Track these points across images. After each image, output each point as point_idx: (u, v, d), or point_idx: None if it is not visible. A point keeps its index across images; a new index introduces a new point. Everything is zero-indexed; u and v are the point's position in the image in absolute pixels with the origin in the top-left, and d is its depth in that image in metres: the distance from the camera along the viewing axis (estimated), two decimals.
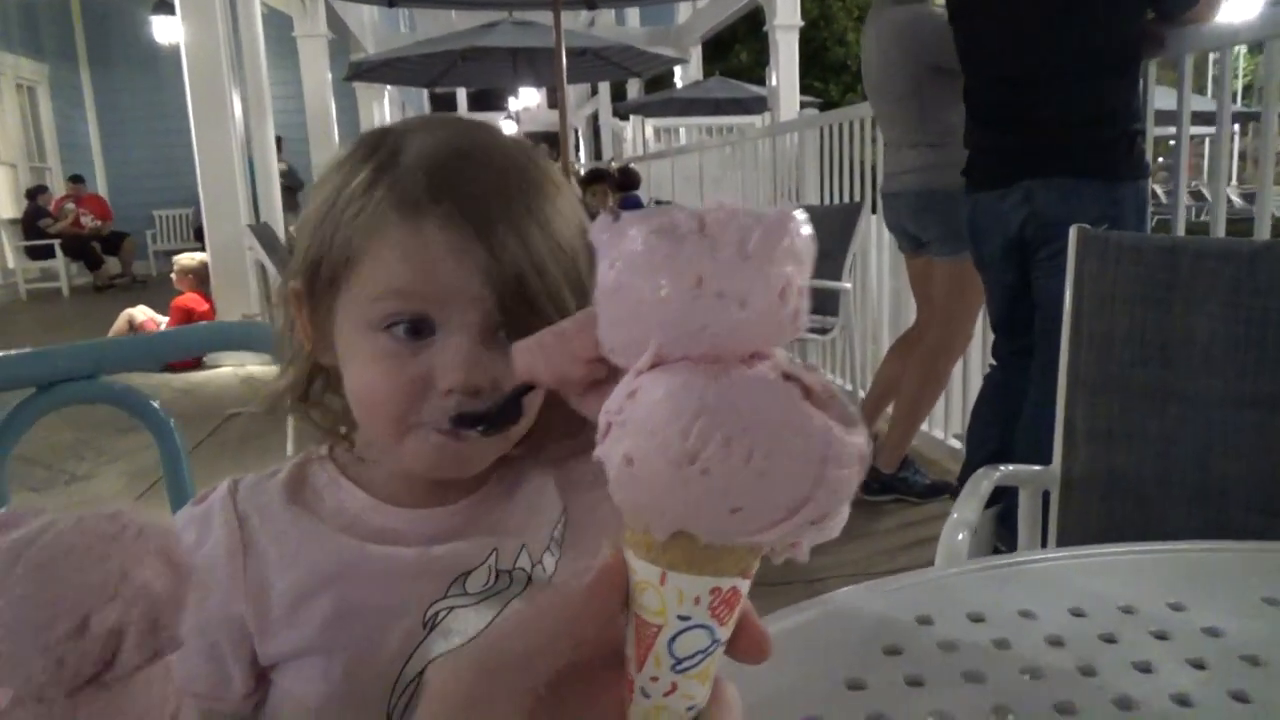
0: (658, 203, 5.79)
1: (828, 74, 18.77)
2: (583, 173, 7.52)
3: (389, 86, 12.23)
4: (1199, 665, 0.60)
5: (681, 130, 10.90)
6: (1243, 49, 2.20)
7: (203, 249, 6.34)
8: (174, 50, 6.68)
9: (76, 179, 11.58)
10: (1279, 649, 0.62)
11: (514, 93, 15.22)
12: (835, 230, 3.47)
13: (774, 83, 8.12)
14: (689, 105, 11.33)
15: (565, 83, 5.47)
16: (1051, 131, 2.08)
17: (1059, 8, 2.02)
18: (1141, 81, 2.12)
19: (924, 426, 3.37)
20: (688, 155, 7.41)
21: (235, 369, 5.92)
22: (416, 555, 0.62)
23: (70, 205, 10.97)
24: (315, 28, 9.63)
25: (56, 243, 10.63)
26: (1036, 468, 1.45)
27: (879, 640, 0.65)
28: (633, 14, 13.13)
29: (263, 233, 4.71)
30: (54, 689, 0.34)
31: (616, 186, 6.72)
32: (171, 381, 5.42)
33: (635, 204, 7.43)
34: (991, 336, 2.58)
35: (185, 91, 5.76)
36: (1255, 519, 1.30)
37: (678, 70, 12.04)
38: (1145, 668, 0.60)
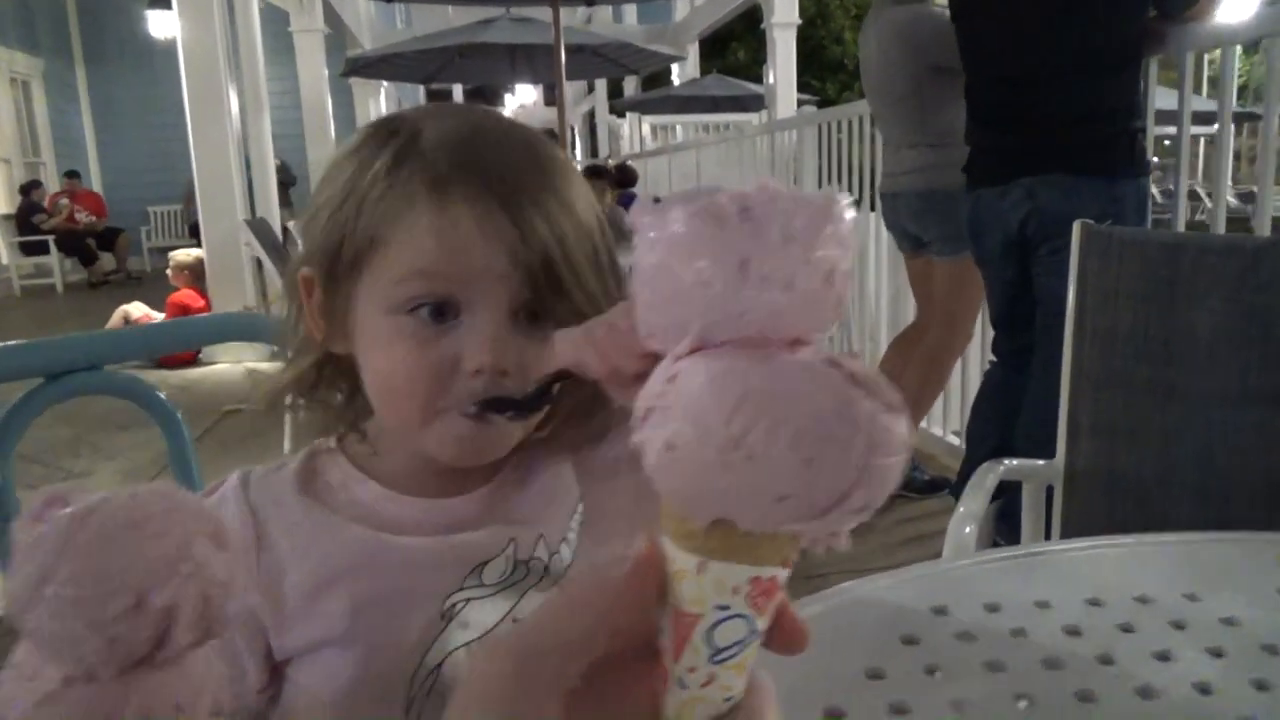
0: (656, 200, 5.78)
1: (825, 72, 18.77)
2: (580, 169, 7.50)
3: (385, 83, 12.19)
4: (1218, 654, 0.60)
5: (678, 128, 10.90)
6: (1237, 49, 2.21)
7: (198, 245, 6.32)
8: (169, 45, 6.65)
9: (72, 174, 11.53)
10: None
11: (511, 90, 15.21)
12: None
13: (771, 81, 8.13)
14: (686, 103, 11.32)
15: (564, 79, 5.46)
16: (1052, 130, 2.08)
17: (1060, 7, 2.02)
18: (1142, 80, 2.12)
19: (923, 423, 3.38)
20: (685, 153, 7.40)
21: (231, 365, 5.91)
22: (433, 545, 0.62)
23: (64, 201, 10.92)
24: (312, 23, 9.60)
25: (51, 239, 10.58)
26: (1040, 462, 1.45)
27: (896, 630, 0.65)
28: (630, 11, 13.12)
29: (259, 228, 4.70)
30: (106, 669, 0.34)
31: (614, 184, 6.71)
32: (168, 378, 5.40)
33: (633, 201, 7.43)
34: (991, 334, 2.58)
35: (180, 87, 5.73)
36: (1258, 514, 1.31)
37: (675, 68, 12.03)
38: (1164, 656, 0.60)
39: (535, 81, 10.37)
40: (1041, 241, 2.10)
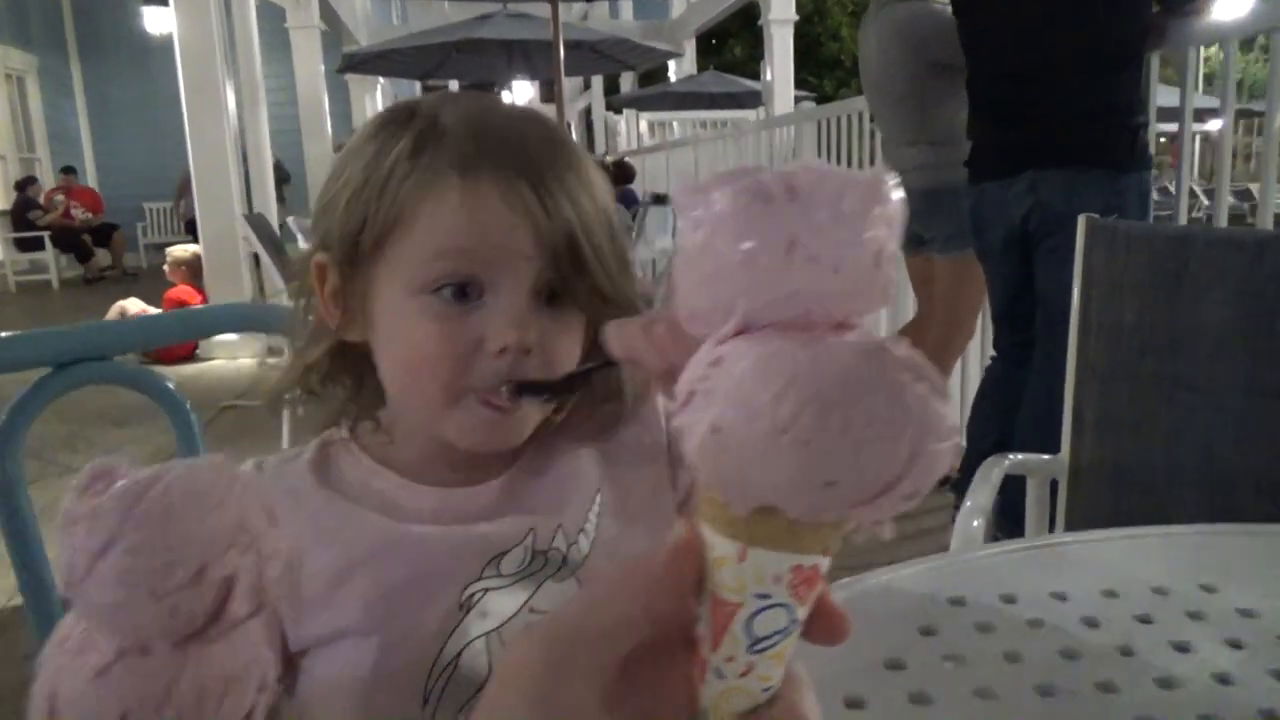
0: (654, 196, 5.78)
1: (822, 69, 18.78)
2: None
3: (381, 80, 12.18)
4: (1236, 645, 0.60)
5: (675, 124, 10.90)
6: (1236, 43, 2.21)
7: (194, 241, 6.30)
8: (165, 41, 6.64)
9: (68, 171, 11.50)
10: None
11: (507, 86, 15.18)
12: None
13: (768, 77, 8.13)
14: (683, 99, 11.32)
15: (564, 75, 5.45)
16: (1055, 126, 2.08)
17: (1063, 3, 2.02)
18: (1144, 75, 2.12)
19: None
20: (683, 149, 7.40)
21: (227, 361, 5.90)
22: (451, 535, 0.61)
23: (60, 197, 10.89)
24: (308, 19, 9.59)
25: (46, 235, 10.55)
26: (1045, 456, 1.45)
27: (914, 621, 0.65)
28: (626, 7, 13.13)
29: (257, 223, 4.69)
30: (163, 640, 0.34)
31: (611, 180, 6.70)
32: (164, 373, 5.39)
33: (630, 197, 7.43)
34: (991, 331, 2.58)
35: (176, 82, 5.71)
36: (1264, 507, 1.31)
37: (671, 64, 12.02)
38: (1183, 648, 0.60)
39: (532, 78, 10.36)
40: (1044, 236, 2.10)
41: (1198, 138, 9.61)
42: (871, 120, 3.34)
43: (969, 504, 1.22)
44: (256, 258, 5.51)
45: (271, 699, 0.41)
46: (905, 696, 0.57)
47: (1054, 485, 1.46)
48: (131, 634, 0.34)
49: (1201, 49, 2.29)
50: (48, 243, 10.56)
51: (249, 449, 0.68)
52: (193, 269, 6.18)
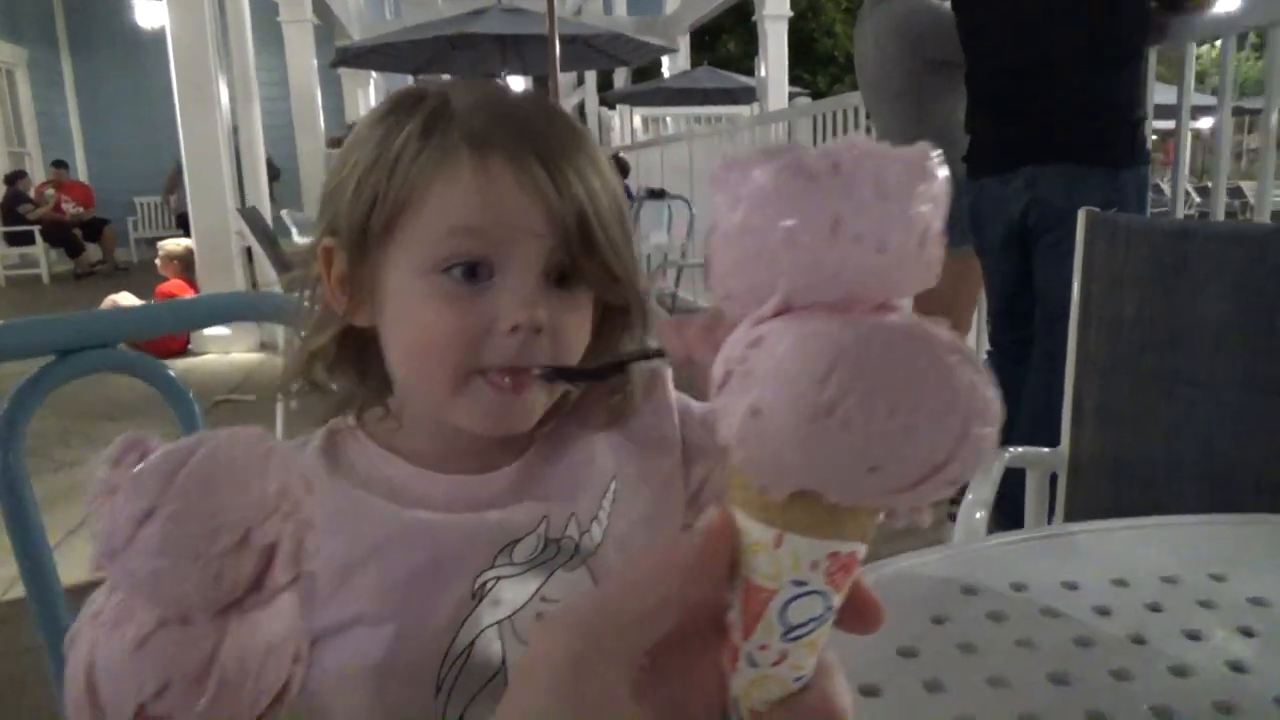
0: (650, 191, 5.78)
1: (816, 65, 18.77)
2: None
3: (374, 75, 12.14)
4: (1248, 633, 0.61)
5: (668, 119, 10.87)
6: (1220, 43, 2.21)
7: (185, 235, 6.28)
8: (156, 34, 6.60)
9: (59, 165, 11.41)
10: None
11: (501, 81, 15.13)
12: None
13: (763, 73, 8.12)
14: (677, 95, 11.30)
15: (559, 70, 5.44)
16: (1055, 122, 2.08)
17: None
18: (1143, 71, 2.12)
19: None
20: (677, 145, 7.39)
21: (220, 355, 5.87)
22: (463, 522, 0.61)
23: (51, 191, 10.82)
24: (301, 13, 9.55)
25: (36, 229, 10.48)
26: (1045, 450, 1.45)
27: (926, 610, 0.65)
28: (620, 3, 13.09)
29: (251, 216, 4.67)
30: (204, 609, 0.34)
31: None
32: None
33: (626, 193, 7.40)
34: (987, 327, 2.58)
35: (168, 76, 5.67)
36: (1263, 501, 1.31)
37: (665, 60, 12.00)
38: (1195, 636, 0.60)
39: (526, 73, 10.32)
40: (1043, 232, 2.10)
41: (1189, 135, 9.63)
42: (867, 117, 3.34)
43: (971, 497, 1.22)
44: (249, 252, 5.49)
45: (304, 671, 0.41)
46: (919, 684, 0.57)
47: (1052, 480, 1.46)
48: (173, 603, 0.34)
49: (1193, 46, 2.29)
50: (38, 237, 10.49)
51: None
52: (185, 263, 6.15)
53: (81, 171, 12.64)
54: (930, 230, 0.28)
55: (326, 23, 10.59)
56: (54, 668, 0.86)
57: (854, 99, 3.51)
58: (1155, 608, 0.64)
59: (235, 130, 6.41)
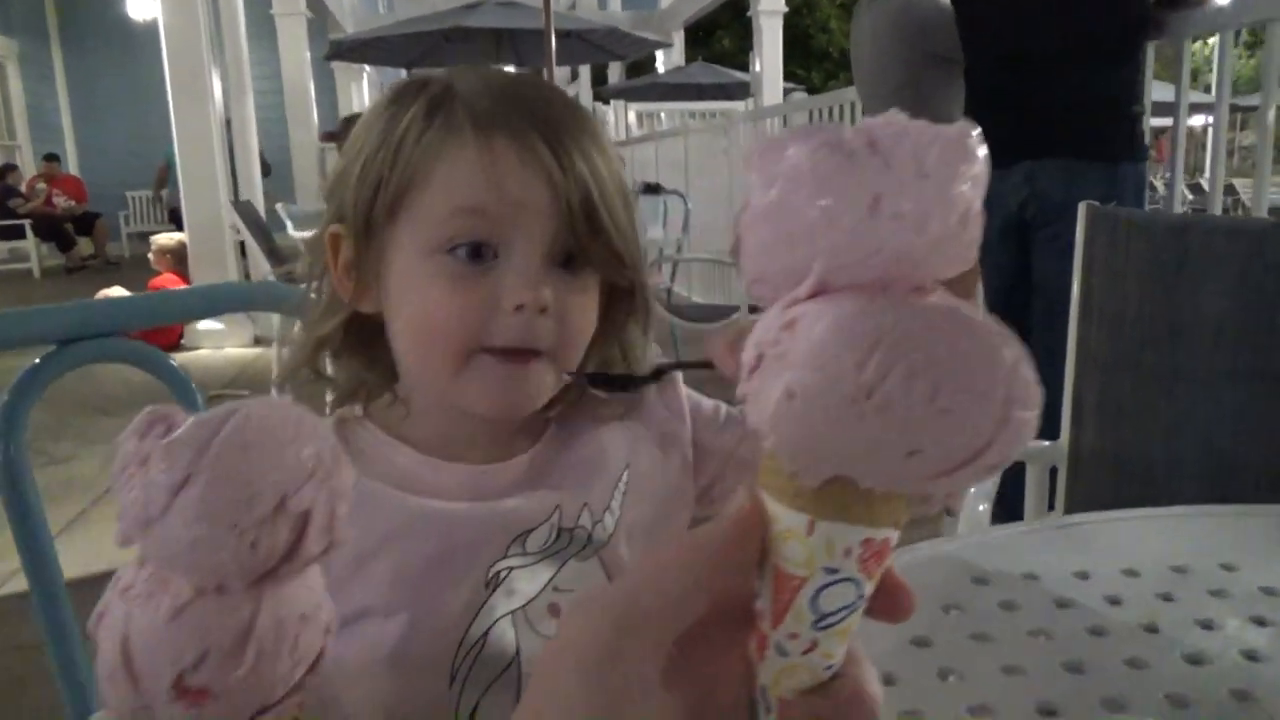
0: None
1: (810, 61, 18.78)
2: None
3: (368, 68, 12.10)
4: (1261, 622, 0.61)
5: (663, 115, 10.86)
6: (1214, 40, 2.21)
7: (176, 229, 6.25)
8: (149, 27, 6.57)
9: (51, 158, 11.35)
10: None
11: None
12: None
13: (757, 68, 8.11)
14: (671, 90, 11.30)
15: (554, 64, 5.43)
16: (1053, 116, 2.08)
17: None
18: (1142, 66, 2.12)
19: None
20: (672, 140, 7.38)
21: (213, 350, 5.85)
22: (476, 511, 0.61)
23: (42, 185, 10.76)
24: (294, 6, 9.51)
25: (27, 223, 10.42)
26: (1045, 443, 1.45)
27: (938, 600, 0.65)
28: None
29: (245, 210, 4.65)
30: (240, 577, 0.34)
31: None
32: None
33: None
34: None
35: (160, 69, 5.64)
36: (1264, 498, 1.31)
37: (659, 55, 11.99)
38: (1209, 625, 0.61)
39: (520, 66, 10.31)
40: (1042, 225, 2.10)
41: (1183, 132, 9.66)
42: (863, 112, 3.33)
43: (973, 490, 1.22)
44: (242, 245, 5.47)
45: (332, 643, 0.41)
46: (934, 672, 0.57)
47: (1051, 475, 1.46)
48: (210, 572, 0.34)
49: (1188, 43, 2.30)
50: (29, 231, 10.43)
51: None
52: (178, 257, 6.13)
53: (73, 165, 12.57)
54: (971, 210, 0.28)
55: (320, 16, 10.54)
56: (56, 662, 0.86)
57: (849, 94, 3.51)
58: (1167, 597, 0.65)
59: (228, 123, 6.39)
